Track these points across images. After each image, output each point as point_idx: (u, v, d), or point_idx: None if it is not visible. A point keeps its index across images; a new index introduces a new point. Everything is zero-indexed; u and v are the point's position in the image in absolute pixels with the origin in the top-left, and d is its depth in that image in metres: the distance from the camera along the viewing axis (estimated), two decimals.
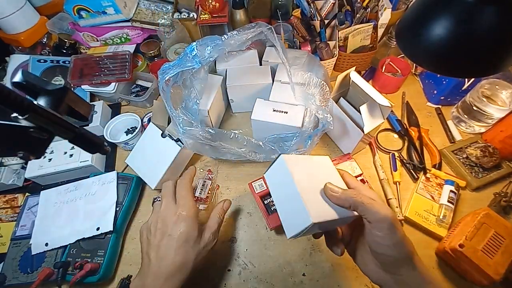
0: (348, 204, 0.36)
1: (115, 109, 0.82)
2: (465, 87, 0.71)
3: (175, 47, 0.84)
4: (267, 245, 0.59)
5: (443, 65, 0.33)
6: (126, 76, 0.77)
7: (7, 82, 0.79)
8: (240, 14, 0.83)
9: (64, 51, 0.84)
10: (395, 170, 0.66)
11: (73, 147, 0.69)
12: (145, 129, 0.68)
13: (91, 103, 0.78)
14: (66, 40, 0.83)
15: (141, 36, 0.88)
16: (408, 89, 0.82)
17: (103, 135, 0.71)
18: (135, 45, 0.87)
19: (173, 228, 0.44)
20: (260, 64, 0.75)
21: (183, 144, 0.62)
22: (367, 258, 0.39)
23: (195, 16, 0.85)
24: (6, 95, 0.24)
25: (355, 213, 0.38)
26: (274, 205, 0.58)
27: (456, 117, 0.74)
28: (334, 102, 0.64)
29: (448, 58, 0.31)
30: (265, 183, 0.60)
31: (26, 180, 0.69)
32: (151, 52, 0.85)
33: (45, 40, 0.87)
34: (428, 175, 0.65)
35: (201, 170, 0.68)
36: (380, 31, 0.83)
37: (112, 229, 0.57)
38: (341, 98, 0.65)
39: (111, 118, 0.74)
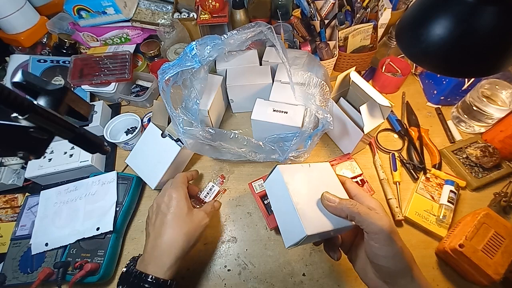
0: (345, 214, 0.37)
1: (115, 109, 0.82)
2: (465, 87, 0.71)
3: (175, 47, 0.84)
4: (267, 245, 0.59)
5: (443, 65, 0.33)
6: (126, 76, 0.77)
7: (7, 82, 0.79)
8: (240, 14, 0.83)
9: (64, 51, 0.84)
10: (395, 170, 0.66)
11: (73, 147, 0.69)
12: (145, 129, 0.68)
13: (91, 103, 0.78)
14: (66, 40, 0.83)
15: (141, 36, 0.88)
16: (408, 89, 0.82)
17: (103, 135, 0.71)
18: (135, 45, 0.87)
19: (165, 207, 0.50)
20: (260, 64, 0.75)
21: (183, 144, 0.62)
22: (366, 266, 0.39)
23: (195, 16, 0.85)
24: (6, 95, 0.24)
25: (354, 222, 0.38)
26: (271, 203, 0.58)
27: (456, 117, 0.74)
28: (334, 102, 0.64)
29: (448, 58, 0.31)
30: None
31: (26, 180, 0.69)
32: (151, 52, 0.85)
33: (45, 40, 0.87)
34: (428, 175, 0.65)
35: (214, 173, 0.68)
36: (380, 31, 0.83)
37: (112, 229, 0.57)
38: (341, 98, 0.65)
39: (111, 118, 0.74)
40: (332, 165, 0.47)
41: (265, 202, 0.60)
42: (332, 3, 0.78)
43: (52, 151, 0.68)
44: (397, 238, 0.34)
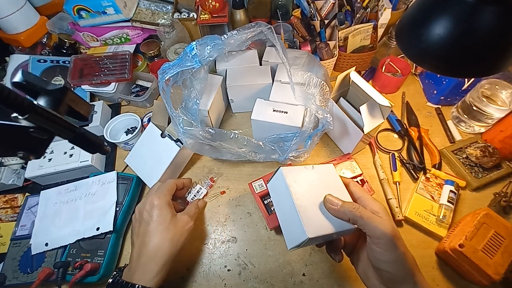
0: (347, 218, 0.36)
1: (115, 109, 0.82)
2: (465, 87, 0.71)
3: (175, 47, 0.84)
4: (267, 245, 0.59)
5: (443, 65, 0.33)
6: (126, 76, 0.77)
7: (7, 82, 0.79)
8: (240, 14, 0.83)
9: (64, 51, 0.84)
10: (395, 170, 0.66)
11: (73, 147, 0.69)
12: (145, 129, 0.68)
13: (91, 103, 0.78)
14: (66, 40, 0.83)
15: (141, 36, 0.88)
16: (408, 89, 0.82)
17: (103, 135, 0.71)
18: (135, 45, 0.87)
19: (147, 215, 0.49)
20: (260, 64, 0.75)
21: (182, 144, 0.62)
22: (368, 270, 0.38)
23: (195, 16, 0.85)
24: (6, 95, 0.24)
25: (356, 225, 0.38)
26: (274, 205, 0.58)
27: (456, 117, 0.74)
28: (334, 102, 0.64)
29: (448, 58, 0.31)
30: (266, 185, 0.60)
31: (26, 180, 0.69)
32: (151, 52, 0.85)
33: (45, 40, 0.87)
34: (428, 175, 0.65)
35: (204, 174, 0.68)
36: (380, 31, 0.83)
37: (112, 229, 0.57)
38: (341, 98, 0.65)
39: (111, 118, 0.74)
40: None
41: (265, 202, 0.60)
42: (332, 3, 0.78)
43: (52, 151, 0.68)
44: (400, 244, 0.34)
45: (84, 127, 0.68)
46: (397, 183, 0.65)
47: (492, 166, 0.63)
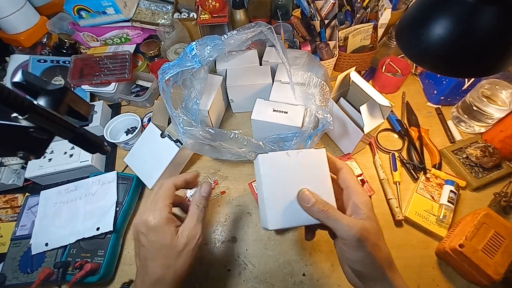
0: (317, 217, 0.36)
1: (115, 109, 0.82)
2: (465, 87, 0.71)
3: (175, 47, 0.84)
4: (267, 245, 0.59)
5: (443, 65, 0.33)
6: (126, 76, 0.77)
7: (7, 82, 0.79)
8: (240, 14, 0.83)
9: (64, 51, 0.84)
10: (395, 170, 0.66)
11: (73, 147, 0.69)
12: (145, 129, 0.68)
13: (91, 103, 0.78)
14: (66, 40, 0.83)
15: (141, 36, 0.88)
16: (408, 89, 0.82)
17: (103, 135, 0.71)
18: (135, 45, 0.87)
19: (144, 239, 0.40)
20: (260, 64, 0.75)
21: (182, 144, 0.62)
22: (344, 263, 0.38)
23: (195, 16, 0.85)
24: (6, 95, 0.24)
25: None
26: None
27: (456, 117, 0.74)
28: (334, 102, 0.64)
29: (448, 58, 0.31)
30: None
31: (26, 180, 0.69)
32: (151, 52, 0.85)
33: (45, 40, 0.87)
34: (428, 175, 0.65)
35: (208, 176, 0.68)
36: (380, 31, 0.83)
37: (112, 229, 0.57)
38: (341, 98, 0.65)
39: (111, 118, 0.74)
40: None
41: None
42: (332, 3, 0.78)
43: (52, 151, 0.68)
44: (368, 243, 0.33)
45: (84, 127, 0.68)
46: (397, 183, 0.65)
47: (492, 166, 0.63)
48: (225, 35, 0.58)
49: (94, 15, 0.80)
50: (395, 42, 0.80)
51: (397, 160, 0.68)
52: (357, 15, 0.77)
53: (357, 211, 0.36)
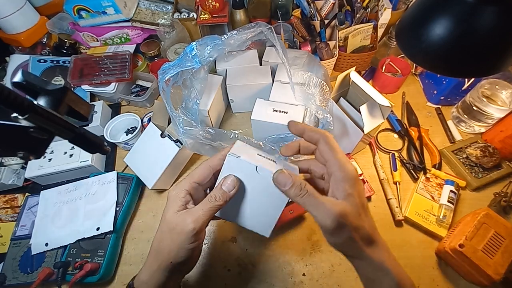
0: (294, 200, 0.34)
1: (115, 109, 0.82)
2: (465, 87, 0.71)
3: (175, 47, 0.84)
4: (267, 245, 0.59)
5: (443, 65, 0.33)
6: (126, 76, 0.77)
7: (7, 82, 0.79)
8: (240, 14, 0.83)
9: (64, 51, 0.84)
10: (395, 170, 0.66)
11: (73, 147, 0.69)
12: (145, 129, 0.68)
13: (91, 103, 0.78)
14: (66, 40, 0.83)
15: (141, 36, 0.88)
16: (408, 89, 0.82)
17: (103, 135, 0.71)
18: (135, 45, 0.87)
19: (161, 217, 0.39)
20: (260, 64, 0.75)
21: (182, 144, 0.62)
22: None
23: (195, 16, 0.85)
24: (6, 95, 0.24)
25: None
26: None
27: (456, 117, 0.74)
28: (334, 102, 0.64)
29: (448, 58, 0.31)
30: None
31: (26, 180, 0.69)
32: (151, 52, 0.85)
33: (45, 40, 0.87)
34: (428, 175, 0.65)
35: None
36: (380, 31, 0.83)
37: (112, 229, 0.57)
38: (341, 98, 0.65)
39: (111, 118, 0.74)
40: None
41: None
42: (332, 3, 0.78)
43: (52, 151, 0.68)
44: (346, 229, 0.31)
45: (84, 127, 0.68)
46: (397, 183, 0.65)
47: (492, 166, 0.63)
48: (225, 35, 0.58)
49: (94, 15, 0.80)
50: (395, 42, 0.80)
51: (397, 160, 0.68)
52: (357, 15, 0.77)
53: (337, 188, 0.33)
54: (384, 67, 0.79)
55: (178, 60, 0.59)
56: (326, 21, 0.80)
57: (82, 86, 0.78)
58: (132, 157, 0.67)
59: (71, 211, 0.60)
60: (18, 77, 0.27)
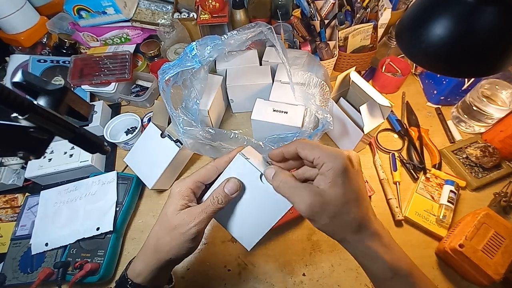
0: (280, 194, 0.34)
1: (115, 109, 0.82)
2: (465, 87, 0.71)
3: (175, 47, 0.84)
4: (267, 245, 0.59)
5: (443, 65, 0.33)
6: (126, 76, 0.77)
7: (7, 82, 0.79)
8: (240, 14, 0.83)
9: (64, 51, 0.84)
10: (395, 170, 0.66)
11: (73, 147, 0.69)
12: (145, 129, 0.68)
13: (91, 103, 0.78)
14: (66, 40, 0.83)
15: (141, 36, 0.88)
16: (408, 89, 0.82)
17: (103, 135, 0.71)
18: (135, 45, 0.87)
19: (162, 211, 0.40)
20: (260, 64, 0.75)
21: (182, 144, 0.62)
22: None
23: (195, 16, 0.85)
24: (6, 95, 0.24)
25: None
26: None
27: (456, 117, 0.74)
28: (334, 102, 0.64)
29: (448, 58, 0.31)
30: None
31: (26, 180, 0.69)
32: (151, 52, 0.85)
33: (45, 40, 0.87)
34: (428, 175, 0.65)
35: None
36: (380, 31, 0.83)
37: (112, 229, 0.57)
38: (341, 98, 0.65)
39: (111, 118, 0.74)
40: None
41: None
42: (332, 3, 0.78)
43: (52, 151, 0.68)
44: (323, 217, 0.31)
45: (84, 127, 0.68)
46: (397, 183, 0.65)
47: (492, 166, 0.63)
48: (225, 35, 0.58)
49: (94, 15, 0.80)
50: (395, 42, 0.80)
51: (397, 160, 0.68)
52: (357, 15, 0.77)
53: (323, 178, 0.32)
54: (384, 67, 0.79)
55: (178, 60, 0.59)
56: (326, 21, 0.80)
57: (82, 86, 0.78)
58: (132, 157, 0.67)
59: (71, 211, 0.60)
60: (18, 77, 0.27)
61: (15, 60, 0.81)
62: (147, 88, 0.82)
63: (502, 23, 0.28)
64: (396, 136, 0.73)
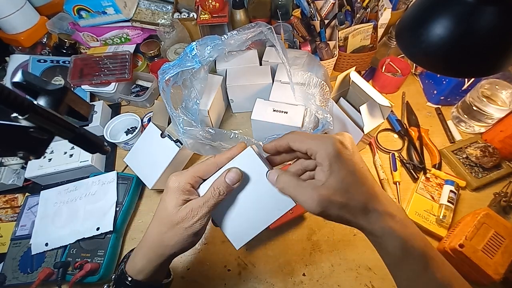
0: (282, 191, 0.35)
1: (115, 109, 0.82)
2: (465, 87, 0.71)
3: (175, 47, 0.84)
4: (267, 245, 0.59)
5: (443, 65, 0.33)
6: (126, 76, 0.77)
7: (7, 82, 0.79)
8: (240, 14, 0.83)
9: (64, 51, 0.84)
10: (395, 170, 0.66)
11: (73, 147, 0.69)
12: (145, 129, 0.68)
13: (91, 103, 0.78)
14: (66, 40, 0.83)
15: (141, 36, 0.88)
16: (408, 89, 0.82)
17: (103, 135, 0.71)
18: (135, 45, 0.87)
19: (162, 196, 0.40)
20: (260, 64, 0.75)
21: (182, 144, 0.62)
22: None
23: (195, 16, 0.85)
24: (6, 95, 0.24)
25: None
26: None
27: (456, 117, 0.74)
28: (334, 102, 0.64)
29: (448, 58, 0.31)
30: None
31: (26, 180, 0.69)
32: (151, 52, 0.85)
33: (45, 40, 0.87)
34: (428, 175, 0.65)
35: None
36: (380, 31, 0.83)
37: (112, 229, 0.57)
38: (341, 98, 0.65)
39: (111, 118, 0.74)
40: None
41: None
42: (332, 3, 0.78)
43: (52, 151, 0.68)
44: (332, 210, 0.31)
45: (84, 127, 0.68)
46: (397, 183, 0.65)
47: (492, 166, 0.63)
48: (225, 35, 0.58)
49: (94, 15, 0.80)
50: (395, 42, 0.80)
51: (397, 160, 0.68)
52: (357, 15, 0.77)
53: (321, 170, 0.32)
54: (384, 67, 0.79)
55: (178, 60, 0.59)
56: (326, 21, 0.80)
57: (82, 86, 0.78)
58: (132, 157, 0.67)
59: (71, 211, 0.60)
60: (18, 77, 0.27)
61: (15, 60, 0.81)
62: (147, 88, 0.82)
63: (502, 23, 0.28)
64: (396, 136, 0.73)
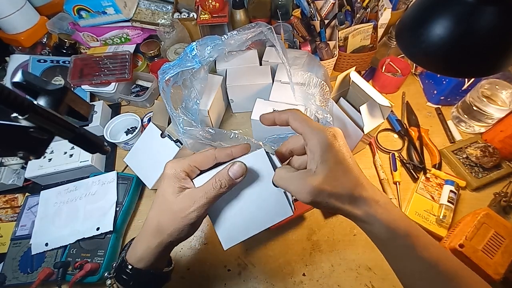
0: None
1: (115, 109, 0.82)
2: (465, 87, 0.71)
3: (175, 47, 0.84)
4: (267, 245, 0.59)
5: (443, 65, 0.33)
6: (126, 76, 0.77)
7: (7, 82, 0.79)
8: (240, 14, 0.83)
9: (64, 51, 0.84)
10: (395, 170, 0.66)
11: (73, 147, 0.69)
12: (145, 129, 0.68)
13: (91, 103, 0.78)
14: (66, 40, 0.83)
15: (141, 36, 0.88)
16: (408, 89, 0.82)
17: (103, 135, 0.71)
18: (135, 45, 0.87)
19: (159, 185, 0.39)
20: (260, 64, 0.75)
21: (182, 144, 0.62)
22: None
23: (195, 16, 0.85)
24: (6, 95, 0.24)
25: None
26: None
27: (456, 117, 0.74)
28: (334, 102, 0.64)
29: (448, 58, 0.31)
30: None
31: (26, 180, 0.69)
32: (151, 52, 0.85)
33: (45, 40, 0.87)
34: (428, 175, 0.65)
35: None
36: (380, 31, 0.83)
37: (112, 229, 0.57)
38: (341, 98, 0.65)
39: (111, 118, 0.74)
40: None
41: None
42: (332, 3, 0.78)
43: (52, 151, 0.68)
44: (321, 199, 0.32)
45: (84, 127, 0.68)
46: (397, 183, 0.65)
47: (492, 166, 0.63)
48: (225, 35, 0.58)
49: (94, 15, 0.80)
50: (395, 42, 0.80)
51: (397, 160, 0.68)
52: (357, 15, 0.77)
53: (312, 158, 0.33)
54: (384, 67, 0.79)
55: (178, 60, 0.59)
56: (326, 21, 0.80)
57: (82, 86, 0.78)
58: (132, 157, 0.67)
59: (71, 211, 0.60)
60: (18, 77, 0.27)
61: (15, 60, 0.81)
62: (147, 88, 0.82)
63: (502, 23, 0.28)
64: (396, 136, 0.73)
